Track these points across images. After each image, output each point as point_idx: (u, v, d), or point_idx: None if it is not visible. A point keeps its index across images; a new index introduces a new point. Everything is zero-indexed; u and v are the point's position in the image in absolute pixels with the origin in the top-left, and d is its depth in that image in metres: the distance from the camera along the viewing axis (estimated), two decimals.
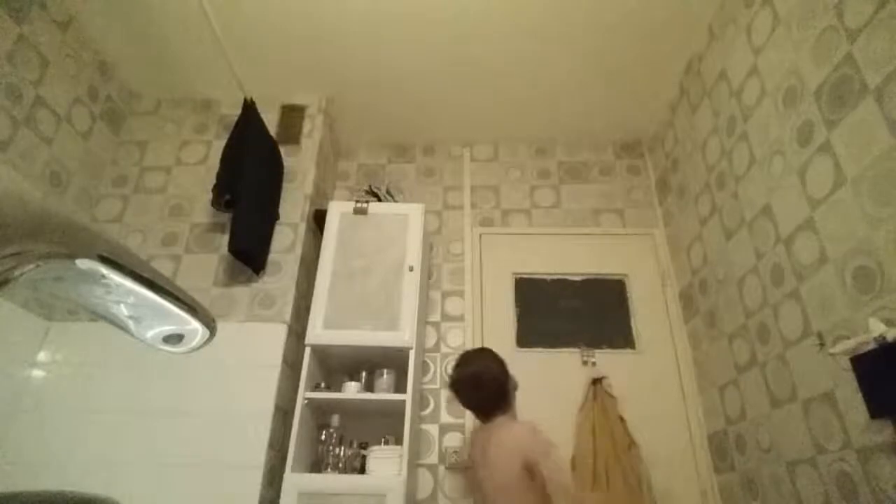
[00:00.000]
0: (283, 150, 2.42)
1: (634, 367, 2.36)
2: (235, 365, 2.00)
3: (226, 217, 2.25)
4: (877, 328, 1.23)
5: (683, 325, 2.43)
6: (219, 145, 2.36)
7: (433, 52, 2.37)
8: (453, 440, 2.24)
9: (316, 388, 2.03)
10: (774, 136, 1.75)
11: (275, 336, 2.08)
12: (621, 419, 2.17)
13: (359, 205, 2.31)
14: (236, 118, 2.34)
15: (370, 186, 2.61)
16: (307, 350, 2.03)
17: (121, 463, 1.84)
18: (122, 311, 0.50)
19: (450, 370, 2.06)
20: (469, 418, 2.26)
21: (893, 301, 1.27)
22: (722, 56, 2.09)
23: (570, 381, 2.28)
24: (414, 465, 2.09)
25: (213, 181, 2.22)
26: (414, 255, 2.19)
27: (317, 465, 1.98)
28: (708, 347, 2.21)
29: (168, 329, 0.54)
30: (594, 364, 2.34)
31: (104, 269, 0.42)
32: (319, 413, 2.08)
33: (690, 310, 2.38)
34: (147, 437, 1.88)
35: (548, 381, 2.29)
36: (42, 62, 2.07)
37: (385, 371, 2.08)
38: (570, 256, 2.62)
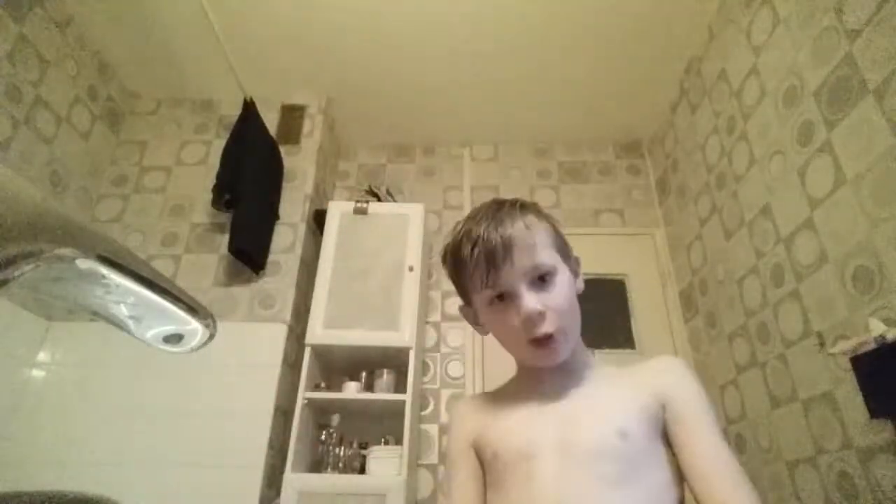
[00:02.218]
0: (283, 150, 2.42)
1: None
2: (235, 365, 2.00)
3: (226, 217, 2.25)
4: (877, 328, 1.23)
5: (683, 325, 2.43)
6: (219, 145, 2.36)
7: (433, 53, 2.37)
8: None
9: (316, 388, 2.03)
10: (774, 136, 1.75)
11: (275, 336, 2.08)
12: None
13: (359, 205, 2.30)
14: (236, 118, 2.34)
15: (370, 186, 2.61)
16: (307, 350, 2.02)
17: (120, 463, 1.84)
18: (122, 311, 0.50)
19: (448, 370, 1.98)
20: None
21: (893, 301, 1.27)
22: (722, 56, 2.09)
23: None
24: (414, 465, 2.09)
25: (213, 181, 2.22)
26: (414, 255, 2.19)
27: (317, 465, 1.98)
28: (708, 347, 2.21)
29: (168, 329, 0.54)
30: None
31: (104, 269, 0.42)
32: (319, 413, 2.08)
33: (690, 310, 2.38)
34: (147, 436, 1.88)
35: None
36: (42, 62, 2.07)
37: (385, 371, 2.08)
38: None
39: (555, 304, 0.71)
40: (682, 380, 0.73)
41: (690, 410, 0.70)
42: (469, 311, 0.81)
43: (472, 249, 0.73)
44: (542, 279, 0.72)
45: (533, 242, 0.72)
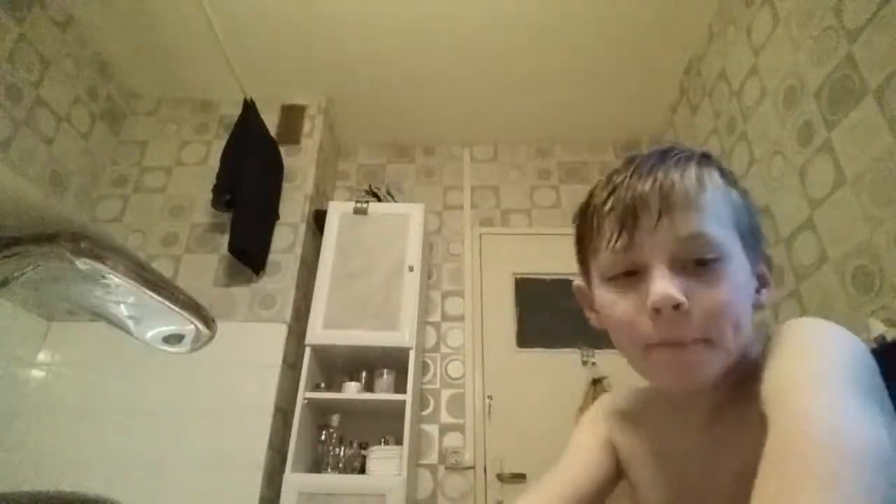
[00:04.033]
0: (283, 150, 2.41)
1: None
2: (235, 365, 2.00)
3: (226, 217, 2.24)
4: (877, 328, 1.23)
5: None
6: (219, 145, 2.36)
7: (433, 53, 2.37)
8: (453, 440, 2.23)
9: (316, 388, 2.03)
10: (774, 136, 1.75)
11: (275, 336, 2.07)
12: None
13: (359, 205, 2.30)
14: (236, 118, 2.34)
15: (370, 186, 2.61)
16: (307, 350, 2.02)
17: (120, 463, 1.84)
18: (122, 311, 0.50)
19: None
20: (473, 417, 2.26)
21: (893, 301, 1.27)
22: (722, 56, 2.09)
23: (570, 381, 2.27)
24: (414, 465, 2.09)
25: (213, 181, 2.22)
26: (414, 255, 2.19)
27: (317, 465, 1.98)
28: None
29: (168, 329, 0.54)
30: (594, 364, 2.34)
31: (104, 269, 0.42)
32: (319, 413, 2.08)
33: None
34: (147, 436, 1.88)
35: (548, 381, 2.29)
36: (42, 62, 2.07)
37: (385, 371, 2.08)
38: (570, 256, 2.57)
39: (709, 299, 0.46)
40: (788, 359, 0.44)
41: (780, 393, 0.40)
42: (584, 291, 0.59)
43: (609, 195, 0.51)
44: (699, 263, 0.47)
45: (703, 204, 0.47)
